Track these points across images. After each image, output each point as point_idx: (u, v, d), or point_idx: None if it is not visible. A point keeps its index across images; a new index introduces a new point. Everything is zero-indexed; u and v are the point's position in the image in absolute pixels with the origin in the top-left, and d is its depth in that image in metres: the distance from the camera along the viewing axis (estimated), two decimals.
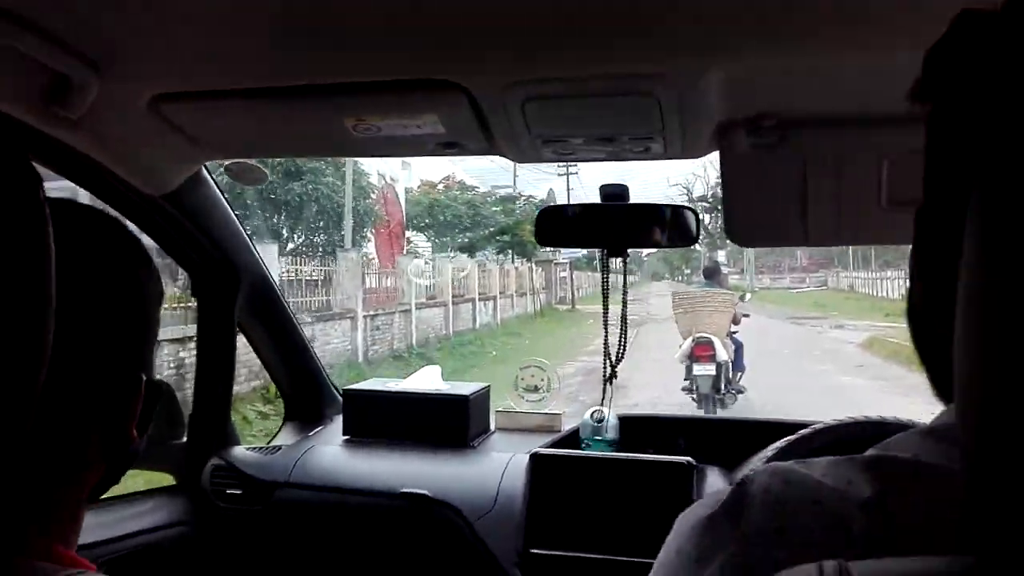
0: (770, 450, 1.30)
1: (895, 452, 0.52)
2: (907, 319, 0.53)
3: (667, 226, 1.35)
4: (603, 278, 1.38)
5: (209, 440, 1.71)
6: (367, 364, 11.65)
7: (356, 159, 14.70)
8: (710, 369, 7.06)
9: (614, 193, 1.36)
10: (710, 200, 51.79)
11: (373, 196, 17.39)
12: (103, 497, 1.60)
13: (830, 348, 13.90)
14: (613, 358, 1.45)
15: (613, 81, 0.98)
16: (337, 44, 0.94)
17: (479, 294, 18.45)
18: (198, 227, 1.47)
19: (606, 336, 1.45)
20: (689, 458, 1.46)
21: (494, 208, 26.05)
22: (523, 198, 27.72)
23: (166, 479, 1.75)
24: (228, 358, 1.69)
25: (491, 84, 1.00)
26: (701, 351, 7.09)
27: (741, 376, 7.69)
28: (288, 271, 11.68)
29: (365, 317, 12.42)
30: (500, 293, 20.26)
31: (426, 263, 16.82)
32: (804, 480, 0.51)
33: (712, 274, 8.34)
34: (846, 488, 0.49)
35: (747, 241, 1.27)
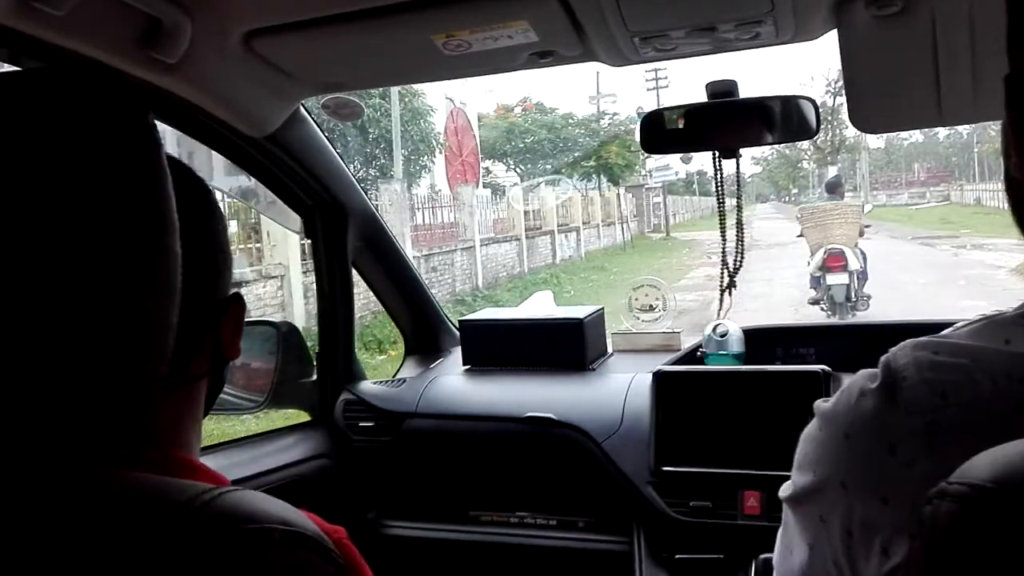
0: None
1: None
2: (1007, 192, 0.50)
3: (783, 120, 1.26)
4: (717, 181, 1.31)
5: (338, 376, 1.77)
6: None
7: None
8: (843, 278, 7.49)
9: (722, 90, 1.27)
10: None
11: (431, 119, 15.26)
12: (249, 435, 1.68)
13: (975, 275, 11.46)
14: (731, 267, 1.38)
15: None
16: None
17: (559, 225, 16.72)
18: (303, 167, 1.49)
19: (723, 244, 1.39)
20: (824, 367, 1.39)
21: (576, 131, 24.19)
22: (608, 117, 25.95)
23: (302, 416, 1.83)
24: (347, 296, 1.73)
25: None
26: (833, 262, 7.52)
27: (865, 283, 7.97)
28: None
29: (417, 257, 11.08)
30: (585, 223, 18.53)
31: (493, 193, 15.31)
32: (953, 346, 0.49)
33: (835, 188, 8.59)
34: (1004, 346, 0.46)
35: (874, 127, 1.16)
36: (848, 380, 0.54)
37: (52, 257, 0.43)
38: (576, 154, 22.33)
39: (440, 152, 16.00)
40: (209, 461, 1.56)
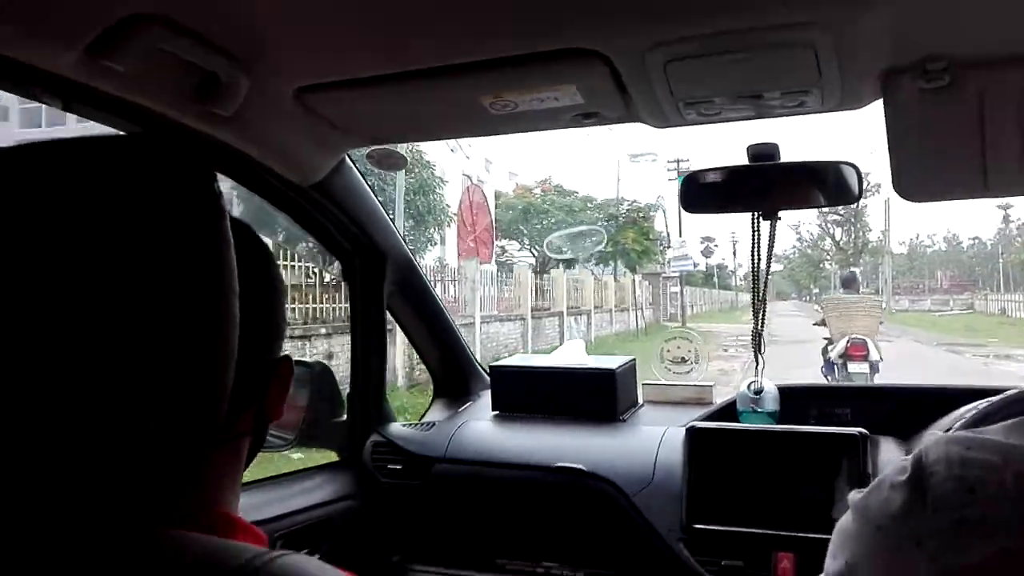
0: (951, 419, 1.20)
1: None
2: None
3: (824, 184, 1.26)
4: (754, 240, 1.31)
5: (368, 417, 1.77)
6: (409, 390, 9.16)
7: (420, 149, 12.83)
8: (864, 367, 7.75)
9: (764, 152, 1.28)
10: (842, 213, 49.10)
11: (440, 191, 14.94)
12: (278, 475, 1.68)
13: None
14: (759, 327, 1.40)
15: (764, 32, 0.91)
16: (474, 20, 0.93)
17: (569, 307, 16.28)
18: (346, 214, 1.52)
19: (755, 304, 1.41)
20: (862, 429, 1.37)
21: (595, 214, 23.76)
22: (627, 203, 25.38)
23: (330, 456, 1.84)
24: (380, 339, 1.75)
25: (631, 47, 0.96)
26: (856, 351, 7.80)
27: (876, 376, 8.22)
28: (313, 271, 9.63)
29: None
30: (597, 307, 18.14)
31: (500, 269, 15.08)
32: (985, 443, 0.50)
33: (850, 283, 8.94)
34: None
35: (918, 196, 1.16)
36: (875, 480, 0.56)
37: (115, 323, 0.45)
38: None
39: (449, 226, 15.58)
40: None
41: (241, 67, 1.02)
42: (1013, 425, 0.50)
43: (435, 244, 15.45)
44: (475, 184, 16.61)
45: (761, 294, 1.42)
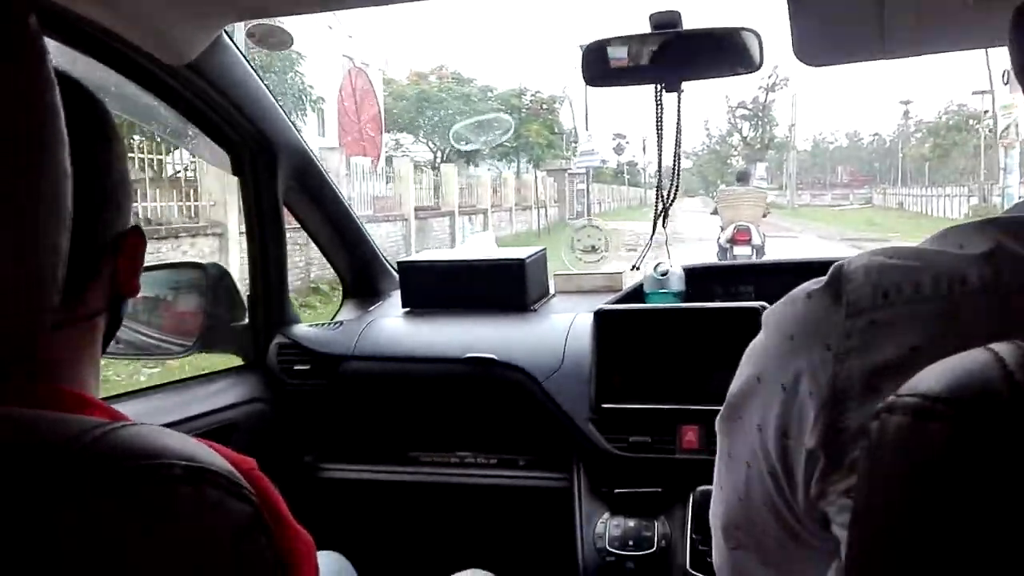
0: None
1: (1011, 214, 0.48)
2: None
3: (727, 52, 1.23)
4: (657, 114, 1.28)
5: (270, 319, 1.71)
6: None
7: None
8: (747, 251, 8.67)
9: (665, 21, 1.23)
10: (750, 108, 49.23)
11: (299, 68, 12.42)
12: (178, 380, 1.61)
13: None
14: (665, 199, 1.38)
15: None
16: None
17: (461, 206, 14.60)
18: (227, 99, 1.41)
19: (659, 181, 1.38)
20: (763, 303, 1.39)
21: (495, 105, 22.10)
22: (530, 93, 23.94)
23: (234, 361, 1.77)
24: (278, 237, 1.67)
25: None
26: (741, 236, 8.74)
27: (763, 257, 9.12)
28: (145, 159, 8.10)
29: None
30: (495, 206, 16.55)
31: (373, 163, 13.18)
32: (909, 251, 0.48)
33: (743, 177, 9.83)
34: (958, 250, 0.46)
35: (818, 60, 1.14)
36: (786, 296, 0.54)
37: None
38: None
39: (312, 110, 13.44)
40: (136, 405, 1.48)
41: None
42: (941, 233, 0.50)
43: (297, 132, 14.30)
44: (358, 67, 14.56)
45: (675, 171, 1.38)
